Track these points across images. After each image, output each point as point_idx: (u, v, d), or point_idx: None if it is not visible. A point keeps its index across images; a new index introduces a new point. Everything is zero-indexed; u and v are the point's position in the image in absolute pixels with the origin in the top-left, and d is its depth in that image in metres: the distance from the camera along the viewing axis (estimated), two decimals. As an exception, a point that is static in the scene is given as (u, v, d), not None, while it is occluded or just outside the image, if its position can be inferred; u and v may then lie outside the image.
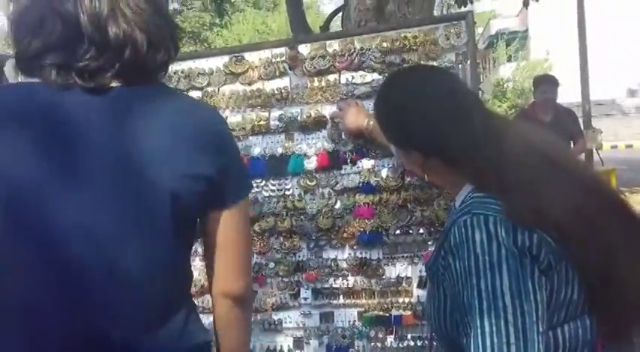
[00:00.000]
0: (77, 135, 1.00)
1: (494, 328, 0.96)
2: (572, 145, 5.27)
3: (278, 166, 1.97)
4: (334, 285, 1.93)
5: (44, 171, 0.98)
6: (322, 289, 1.94)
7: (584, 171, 1.26)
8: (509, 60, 25.12)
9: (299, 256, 1.96)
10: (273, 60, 1.99)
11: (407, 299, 1.87)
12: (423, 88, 1.22)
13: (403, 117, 1.21)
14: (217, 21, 20.59)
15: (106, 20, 1.00)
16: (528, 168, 1.10)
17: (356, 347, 1.90)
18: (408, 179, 1.85)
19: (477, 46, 2.19)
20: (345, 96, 1.92)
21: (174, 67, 2.01)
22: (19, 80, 1.14)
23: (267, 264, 1.98)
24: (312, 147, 1.95)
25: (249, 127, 1.98)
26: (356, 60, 1.91)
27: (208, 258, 1.12)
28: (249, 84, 2.01)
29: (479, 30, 25.65)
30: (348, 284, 1.92)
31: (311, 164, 1.94)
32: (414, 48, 1.87)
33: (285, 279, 1.97)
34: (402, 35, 1.89)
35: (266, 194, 1.98)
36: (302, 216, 1.95)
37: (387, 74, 1.85)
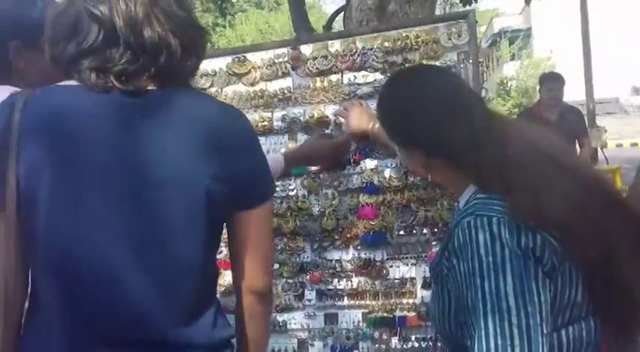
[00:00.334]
0: (119, 137, 1.02)
1: (498, 329, 0.96)
2: (577, 143, 5.25)
3: (281, 167, 1.96)
4: (338, 286, 1.92)
5: (85, 170, 1.01)
6: (326, 290, 1.93)
7: (587, 171, 1.26)
8: (512, 58, 25.02)
9: (303, 257, 1.96)
10: (276, 60, 1.99)
11: (411, 301, 1.86)
12: (424, 88, 1.22)
13: (405, 117, 1.21)
14: (220, 21, 20.61)
15: (142, 24, 1.02)
16: (531, 168, 1.10)
17: (360, 349, 1.89)
18: (412, 179, 1.85)
19: (479, 45, 2.18)
20: (347, 97, 1.91)
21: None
22: None
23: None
24: (315, 148, 1.93)
25: (252, 128, 1.98)
26: (358, 60, 1.91)
27: (234, 257, 1.15)
28: (252, 84, 2.01)
29: (482, 28, 25.56)
30: (352, 285, 1.91)
31: (314, 165, 1.93)
32: (416, 47, 1.87)
33: (290, 280, 1.96)
34: (404, 35, 1.89)
35: (269, 195, 1.98)
36: (306, 217, 1.95)
37: (389, 74, 1.85)
